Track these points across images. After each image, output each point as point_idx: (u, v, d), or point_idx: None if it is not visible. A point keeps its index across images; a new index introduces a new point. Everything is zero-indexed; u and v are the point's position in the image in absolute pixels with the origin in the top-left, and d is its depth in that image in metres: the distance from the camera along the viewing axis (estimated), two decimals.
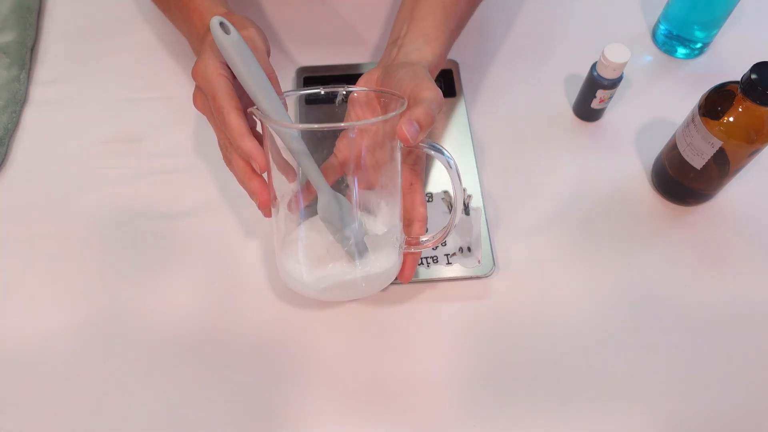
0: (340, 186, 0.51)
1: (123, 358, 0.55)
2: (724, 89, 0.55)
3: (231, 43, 0.44)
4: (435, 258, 0.59)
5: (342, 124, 0.48)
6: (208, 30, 0.49)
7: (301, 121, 0.47)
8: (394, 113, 0.46)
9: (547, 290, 0.59)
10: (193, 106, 0.51)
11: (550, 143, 0.67)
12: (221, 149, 0.51)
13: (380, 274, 0.51)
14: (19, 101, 0.68)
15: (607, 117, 0.69)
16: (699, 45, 0.72)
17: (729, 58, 0.73)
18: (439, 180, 0.64)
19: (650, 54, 0.74)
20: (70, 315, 0.57)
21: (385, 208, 0.52)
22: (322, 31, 0.75)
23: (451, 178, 0.48)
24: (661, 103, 0.69)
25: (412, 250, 0.53)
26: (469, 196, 0.63)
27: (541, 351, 0.56)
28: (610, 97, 0.65)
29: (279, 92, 0.48)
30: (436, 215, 0.61)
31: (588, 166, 0.66)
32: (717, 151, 0.55)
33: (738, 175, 0.59)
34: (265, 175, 0.49)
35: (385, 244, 0.51)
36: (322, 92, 0.51)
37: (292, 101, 0.55)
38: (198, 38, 0.53)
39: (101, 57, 0.72)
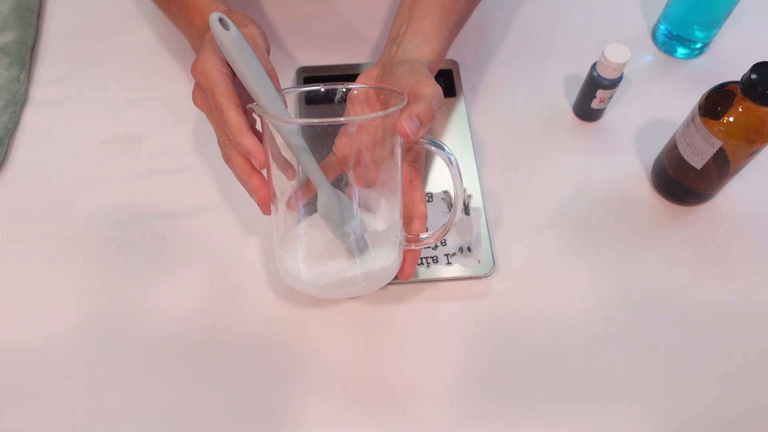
0: (339, 184, 0.51)
1: (123, 358, 0.55)
2: (724, 89, 0.55)
3: (230, 39, 0.44)
4: (435, 258, 0.59)
5: (341, 119, 0.47)
6: (208, 27, 0.49)
7: (302, 130, 0.47)
8: (394, 108, 0.46)
9: (547, 290, 0.59)
10: (193, 106, 0.51)
11: (550, 143, 0.67)
12: (220, 147, 0.51)
13: (380, 272, 0.51)
14: (19, 101, 0.68)
15: (607, 117, 0.69)
16: (699, 45, 0.72)
17: (729, 58, 0.73)
18: (438, 180, 0.64)
19: (650, 54, 0.74)
20: (70, 315, 0.57)
21: (385, 205, 0.52)
22: (322, 31, 0.75)
23: (452, 175, 0.48)
24: (661, 103, 0.69)
25: (413, 247, 0.52)
26: (469, 196, 0.63)
27: (541, 351, 0.56)
28: (610, 97, 0.65)
29: (278, 89, 0.48)
30: (436, 215, 0.61)
31: (588, 166, 0.66)
32: (717, 151, 0.55)
33: (738, 175, 0.59)
34: (264, 172, 0.48)
35: (385, 241, 0.51)
36: (322, 89, 0.51)
37: (292, 100, 0.55)
38: (198, 36, 0.53)
39: (101, 57, 0.72)
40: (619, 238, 0.61)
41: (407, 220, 0.53)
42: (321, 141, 0.50)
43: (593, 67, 0.64)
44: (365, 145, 0.49)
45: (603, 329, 0.57)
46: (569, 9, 0.77)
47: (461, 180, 0.49)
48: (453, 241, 0.60)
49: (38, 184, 0.64)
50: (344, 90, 0.52)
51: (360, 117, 0.52)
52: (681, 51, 0.73)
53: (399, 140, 0.48)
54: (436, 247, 0.60)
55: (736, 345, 0.56)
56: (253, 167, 0.48)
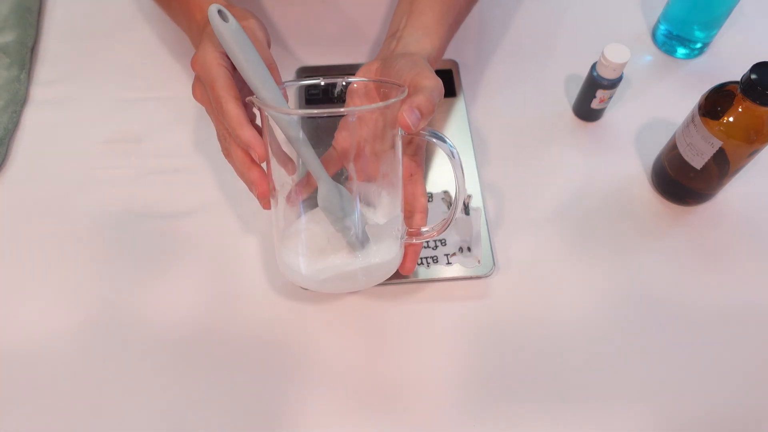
0: (339, 178, 0.51)
1: (123, 357, 0.55)
2: (723, 89, 0.55)
3: (229, 31, 0.44)
4: (435, 258, 0.59)
5: (341, 110, 0.47)
6: (208, 21, 0.50)
7: (302, 122, 0.47)
8: (394, 99, 0.46)
9: (547, 290, 0.59)
10: (192, 106, 0.51)
11: (549, 143, 0.67)
12: (220, 140, 0.50)
13: (381, 265, 0.50)
14: (19, 101, 0.68)
15: (607, 117, 0.69)
16: (699, 45, 0.72)
17: (729, 58, 0.73)
18: (438, 179, 0.64)
19: (650, 54, 0.74)
20: (70, 315, 0.57)
21: (386, 198, 0.52)
22: (323, 31, 0.75)
23: (453, 168, 0.48)
24: (661, 103, 0.69)
25: (414, 241, 0.52)
26: (469, 196, 0.63)
27: (541, 350, 0.56)
28: (610, 97, 0.65)
29: (279, 82, 0.48)
30: (436, 215, 0.61)
31: (588, 166, 0.66)
32: (717, 151, 0.55)
33: (738, 175, 0.59)
34: (264, 166, 0.48)
35: (386, 234, 0.50)
36: (322, 82, 0.51)
37: (292, 97, 0.54)
38: (198, 31, 0.53)
39: (101, 57, 0.72)
40: (618, 238, 0.62)
41: (408, 213, 0.53)
42: (321, 136, 0.49)
43: (593, 67, 0.64)
44: (365, 138, 0.49)
45: (603, 329, 0.57)
46: (569, 9, 0.77)
47: (463, 173, 0.48)
48: (453, 241, 0.60)
49: (38, 184, 0.64)
50: (344, 84, 0.52)
51: (360, 108, 0.51)
52: (681, 51, 0.73)
53: (400, 132, 0.48)
54: (436, 246, 0.60)
55: (737, 345, 0.56)
56: (252, 161, 0.47)
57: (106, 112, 0.69)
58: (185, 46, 0.60)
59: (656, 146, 0.64)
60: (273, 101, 0.45)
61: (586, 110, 0.67)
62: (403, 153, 0.52)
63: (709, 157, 0.56)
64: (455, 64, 0.71)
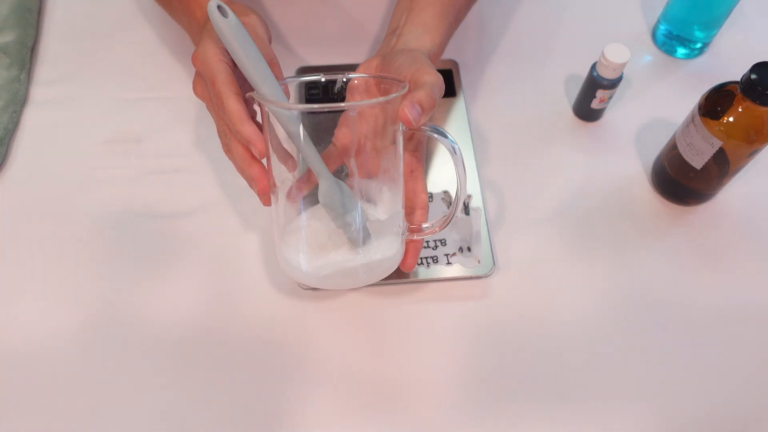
0: (339, 175, 0.51)
1: (123, 357, 0.55)
2: (723, 89, 0.55)
3: (228, 26, 0.43)
4: (435, 258, 0.59)
5: (342, 104, 0.47)
6: (208, 19, 0.49)
7: (303, 118, 0.47)
8: (396, 94, 0.46)
9: (547, 290, 0.59)
10: (192, 106, 0.51)
11: (550, 143, 0.67)
12: (220, 137, 0.50)
13: (383, 261, 0.50)
14: (19, 101, 0.68)
15: (607, 117, 0.69)
16: (699, 45, 0.72)
17: (729, 58, 0.73)
18: (438, 179, 0.64)
19: (650, 54, 0.74)
20: (70, 315, 0.57)
21: (387, 194, 0.51)
22: (324, 31, 0.75)
23: (455, 164, 0.48)
24: (661, 103, 0.69)
25: (415, 237, 0.52)
26: (469, 196, 0.63)
27: (541, 350, 0.56)
28: (610, 97, 0.65)
29: (281, 78, 0.48)
30: (436, 215, 0.61)
31: (588, 166, 0.66)
32: (717, 151, 0.55)
33: (738, 175, 0.59)
34: (264, 163, 0.48)
35: (387, 230, 0.50)
36: (323, 79, 0.51)
37: (293, 93, 0.54)
38: (198, 29, 0.53)
39: (101, 57, 0.72)
40: (618, 238, 0.62)
41: (409, 210, 0.53)
42: (321, 134, 0.49)
43: (593, 67, 0.64)
44: (366, 134, 0.49)
45: (603, 329, 0.57)
46: (569, 9, 0.77)
47: (464, 169, 0.48)
48: (453, 241, 0.60)
49: (38, 184, 0.64)
50: (344, 80, 0.51)
51: (361, 102, 0.51)
52: (681, 51, 0.73)
53: (401, 128, 0.48)
54: (436, 246, 0.60)
55: (737, 345, 0.56)
56: (253, 157, 0.47)
57: (106, 112, 0.69)
58: (185, 45, 0.60)
59: (656, 146, 0.64)
60: (273, 97, 0.45)
61: (586, 110, 0.67)
62: (404, 149, 0.51)
63: (709, 157, 0.56)
64: (455, 63, 0.71)
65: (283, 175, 0.50)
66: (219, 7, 0.43)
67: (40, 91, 0.70)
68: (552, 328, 0.57)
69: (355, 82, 0.52)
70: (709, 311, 0.58)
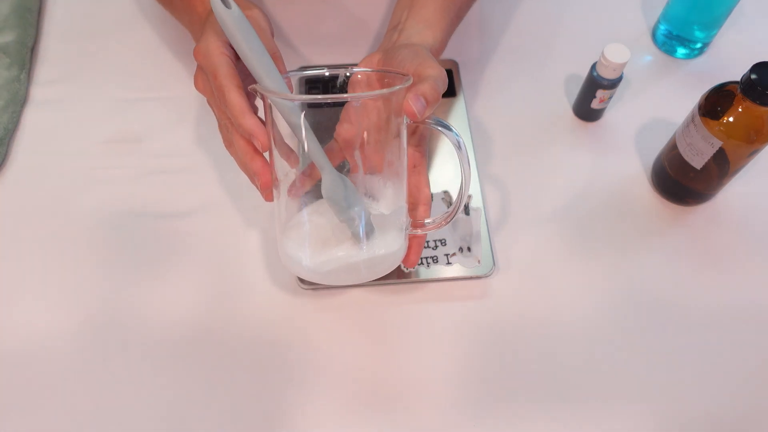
0: (342, 170, 0.50)
1: (123, 357, 0.55)
2: (723, 89, 0.55)
3: (232, 17, 0.43)
4: (435, 258, 0.59)
5: (345, 95, 0.46)
6: (210, 13, 0.49)
7: (306, 111, 0.46)
8: (400, 86, 0.45)
9: (547, 290, 0.59)
10: (193, 106, 0.51)
11: (550, 143, 0.67)
12: (221, 131, 0.50)
13: (386, 257, 0.50)
14: (19, 101, 0.68)
15: (607, 117, 0.69)
16: (699, 45, 0.72)
17: (729, 58, 0.73)
18: (438, 179, 0.63)
19: (650, 54, 0.74)
20: (70, 315, 0.57)
21: (391, 189, 0.51)
22: (324, 30, 0.75)
23: (459, 158, 0.47)
24: (661, 103, 0.69)
25: (419, 232, 0.51)
26: (469, 196, 0.62)
27: (541, 351, 0.56)
28: (610, 97, 0.65)
29: (283, 71, 0.47)
30: (435, 215, 0.61)
31: (588, 166, 0.66)
32: (717, 151, 0.55)
33: (738, 175, 0.59)
34: (266, 157, 0.48)
35: (391, 225, 0.50)
36: (326, 72, 0.50)
37: (295, 88, 0.53)
38: (199, 24, 0.53)
39: (101, 57, 0.72)
40: (618, 238, 0.62)
41: (412, 206, 0.53)
42: (323, 128, 0.49)
43: (593, 67, 0.64)
44: (368, 128, 0.48)
45: (602, 329, 0.57)
46: (569, 9, 0.77)
47: (469, 164, 0.48)
48: (453, 241, 0.60)
49: (38, 184, 0.64)
50: (347, 74, 0.51)
51: (365, 94, 0.50)
52: (681, 51, 0.73)
53: (405, 121, 0.47)
54: (436, 246, 0.60)
55: (737, 345, 0.56)
56: (255, 150, 0.47)
57: (106, 112, 0.69)
58: (185, 45, 0.60)
59: (656, 146, 0.64)
60: (276, 89, 0.45)
61: (586, 110, 0.67)
62: (408, 143, 0.51)
63: (709, 157, 0.56)
64: (455, 63, 0.71)
65: (285, 170, 0.49)
66: None
67: (40, 91, 0.70)
68: (552, 328, 0.57)
69: (358, 76, 0.51)
70: (709, 311, 0.58)
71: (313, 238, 0.50)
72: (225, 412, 0.53)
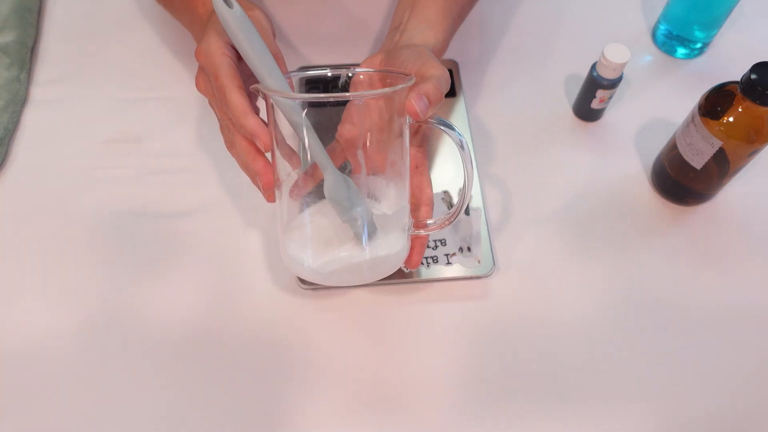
0: (345, 171, 0.50)
1: (123, 358, 0.55)
2: (724, 89, 0.55)
3: (234, 17, 0.43)
4: (435, 258, 0.59)
5: (348, 94, 0.46)
6: (211, 14, 0.49)
7: (308, 111, 0.46)
8: (402, 85, 0.45)
9: (547, 290, 0.59)
10: (193, 106, 0.51)
11: (550, 143, 0.67)
12: (223, 132, 0.50)
13: (389, 257, 0.49)
14: (19, 101, 0.68)
15: (607, 117, 0.69)
16: (699, 45, 0.72)
17: (729, 58, 0.73)
18: (438, 179, 0.63)
19: (650, 54, 0.74)
20: (70, 315, 0.57)
21: (393, 189, 0.51)
22: (324, 30, 0.75)
23: (462, 158, 0.47)
24: (661, 103, 0.69)
25: (421, 233, 0.51)
26: (470, 197, 0.62)
27: (541, 351, 0.56)
28: (610, 97, 0.65)
29: (284, 72, 0.47)
30: (437, 216, 0.61)
31: (588, 166, 0.66)
32: (717, 151, 0.55)
33: (738, 175, 0.59)
34: (268, 158, 0.48)
35: (394, 225, 0.50)
36: (329, 73, 0.50)
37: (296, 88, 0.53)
38: (200, 25, 0.53)
39: (101, 57, 0.72)
40: (618, 238, 0.62)
41: (414, 206, 0.52)
42: (325, 129, 0.49)
43: (593, 67, 0.64)
44: (370, 128, 0.48)
45: (602, 329, 0.57)
46: (569, 9, 0.77)
47: (472, 163, 0.47)
48: (453, 241, 0.60)
49: (38, 184, 0.64)
50: (349, 75, 0.51)
51: (368, 93, 0.50)
52: (681, 51, 0.73)
53: (408, 121, 0.47)
54: (436, 247, 0.60)
55: (737, 345, 0.56)
56: (257, 150, 0.46)
57: (106, 112, 0.69)
58: (185, 45, 0.60)
59: (656, 146, 0.64)
60: (279, 89, 0.45)
61: (586, 110, 0.67)
62: (410, 143, 0.50)
63: (709, 157, 0.56)
64: (455, 64, 0.71)
65: (287, 170, 0.49)
66: None
67: (40, 91, 0.70)
68: (552, 328, 0.57)
69: (360, 77, 0.51)
70: (709, 311, 0.58)
71: (316, 239, 0.50)
72: (225, 412, 0.53)
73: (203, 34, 0.48)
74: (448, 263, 0.59)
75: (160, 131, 0.67)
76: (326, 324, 0.57)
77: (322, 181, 0.48)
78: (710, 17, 0.69)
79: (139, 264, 0.60)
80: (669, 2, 0.71)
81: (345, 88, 0.51)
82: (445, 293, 0.59)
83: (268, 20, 0.51)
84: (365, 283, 0.51)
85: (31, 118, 0.68)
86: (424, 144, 0.53)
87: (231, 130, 0.48)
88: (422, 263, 0.59)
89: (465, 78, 0.71)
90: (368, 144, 0.49)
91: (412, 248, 0.52)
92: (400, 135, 0.48)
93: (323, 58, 0.72)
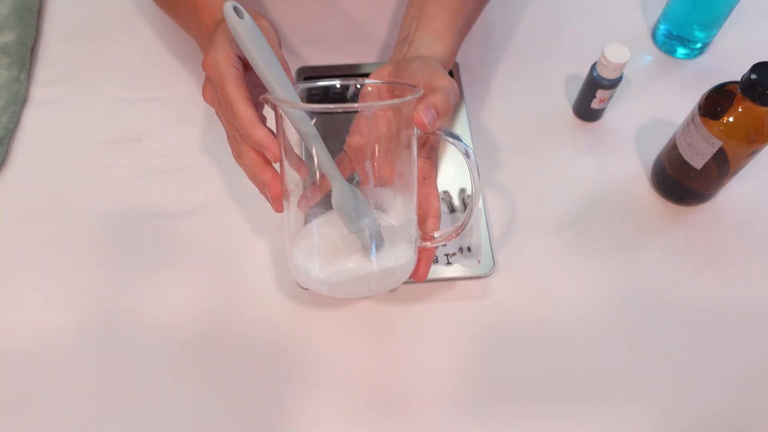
0: (353, 182, 0.50)
1: (123, 358, 0.55)
2: (724, 89, 0.55)
3: (245, 27, 0.43)
4: (435, 258, 0.59)
5: (356, 105, 0.46)
6: (217, 25, 0.49)
7: (317, 120, 0.46)
8: (411, 96, 0.45)
9: (547, 290, 0.59)
10: (193, 106, 0.51)
11: (550, 143, 0.67)
12: (230, 143, 0.50)
13: (396, 269, 0.49)
14: (19, 101, 0.68)
15: (607, 117, 0.69)
16: (699, 45, 0.72)
17: (729, 58, 0.73)
18: (438, 180, 0.63)
19: (650, 54, 0.74)
20: (70, 315, 0.57)
21: (401, 200, 0.51)
22: (325, 30, 0.75)
23: (469, 168, 0.47)
24: (661, 103, 0.69)
25: (428, 245, 0.51)
26: (469, 197, 0.62)
27: (541, 351, 0.56)
28: (610, 97, 0.65)
29: (292, 82, 0.47)
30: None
31: (588, 166, 0.66)
32: (717, 151, 0.55)
33: (738, 175, 0.59)
34: (276, 168, 0.47)
35: (401, 237, 0.49)
36: (338, 84, 0.50)
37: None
38: (207, 35, 0.53)
39: (101, 57, 0.72)
40: (618, 238, 0.62)
41: (421, 218, 0.52)
42: (333, 139, 0.49)
43: (593, 67, 0.64)
44: (378, 139, 0.48)
45: (602, 329, 0.57)
46: (569, 9, 0.77)
47: (479, 174, 0.48)
48: (453, 241, 0.60)
49: (38, 184, 0.64)
50: (357, 86, 0.51)
51: (377, 104, 0.50)
52: (681, 51, 0.73)
53: (416, 133, 0.47)
54: (436, 246, 0.60)
55: (737, 345, 0.56)
56: (265, 161, 0.46)
57: (106, 112, 0.69)
58: (185, 46, 0.60)
59: (656, 146, 0.64)
60: (288, 99, 0.45)
61: (586, 110, 0.67)
62: (418, 155, 0.50)
63: (709, 157, 0.56)
64: (455, 64, 0.71)
65: (296, 181, 0.49)
66: (235, 9, 0.43)
67: (40, 91, 0.70)
68: (552, 328, 0.57)
69: (368, 88, 0.51)
70: (709, 311, 0.58)
71: (323, 249, 0.50)
72: (225, 412, 0.53)
73: (210, 44, 0.48)
74: (448, 263, 0.59)
75: (160, 131, 0.67)
76: (326, 324, 0.57)
77: (330, 191, 0.48)
78: (710, 17, 0.69)
79: (138, 264, 0.60)
80: (669, 2, 0.71)
81: (354, 98, 0.51)
82: (445, 293, 0.59)
83: (275, 31, 0.51)
84: (372, 294, 0.51)
85: (31, 118, 0.68)
86: (432, 156, 0.53)
87: (238, 140, 0.48)
88: None
89: (465, 78, 0.71)
90: (376, 155, 0.49)
91: (419, 260, 0.51)
92: (408, 146, 0.48)
93: (323, 58, 0.72)
